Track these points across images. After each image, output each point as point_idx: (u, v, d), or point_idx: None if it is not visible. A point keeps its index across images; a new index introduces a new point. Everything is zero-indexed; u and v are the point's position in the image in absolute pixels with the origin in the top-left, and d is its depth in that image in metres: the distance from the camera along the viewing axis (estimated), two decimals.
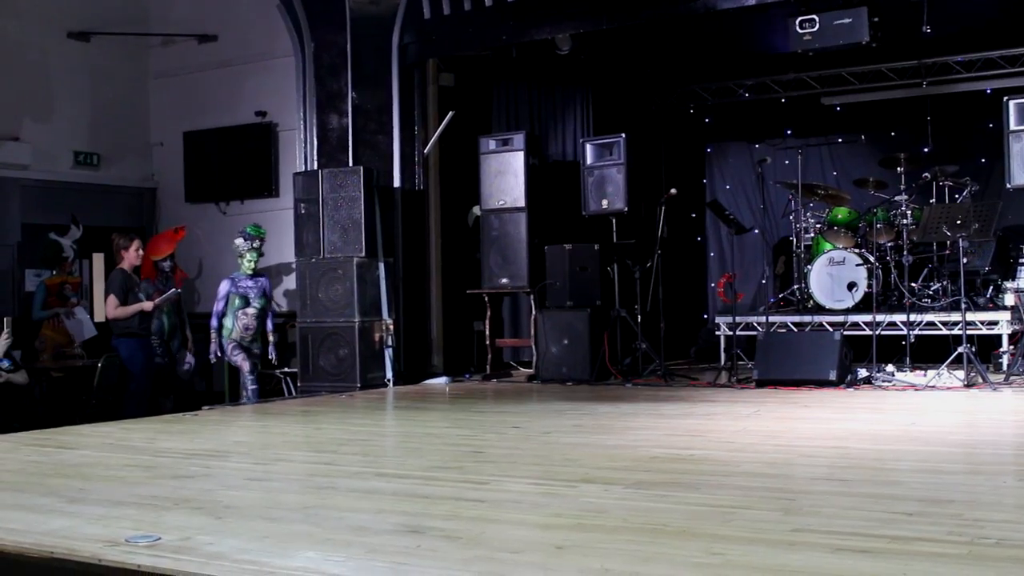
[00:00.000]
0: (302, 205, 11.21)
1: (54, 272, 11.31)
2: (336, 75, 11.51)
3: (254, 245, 10.73)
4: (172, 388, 11.40)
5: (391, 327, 11.01)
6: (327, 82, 11.58)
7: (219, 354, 10.60)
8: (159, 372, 10.91)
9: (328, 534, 4.19)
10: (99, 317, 11.52)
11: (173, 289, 10.76)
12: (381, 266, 11.05)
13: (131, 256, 10.22)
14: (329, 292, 10.90)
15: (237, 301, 10.64)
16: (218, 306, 10.62)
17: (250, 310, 10.63)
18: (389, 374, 10.89)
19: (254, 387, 10.61)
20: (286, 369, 11.36)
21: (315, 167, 11.52)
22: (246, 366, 10.59)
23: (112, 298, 9.99)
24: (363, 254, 10.89)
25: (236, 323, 10.64)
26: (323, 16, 11.57)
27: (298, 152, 11.89)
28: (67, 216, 12.03)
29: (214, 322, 10.60)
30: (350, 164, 11.34)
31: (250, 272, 10.72)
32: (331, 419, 8.43)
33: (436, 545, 3.94)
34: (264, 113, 12.98)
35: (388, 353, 10.94)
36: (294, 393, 10.80)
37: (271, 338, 10.73)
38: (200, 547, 3.98)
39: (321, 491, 5.23)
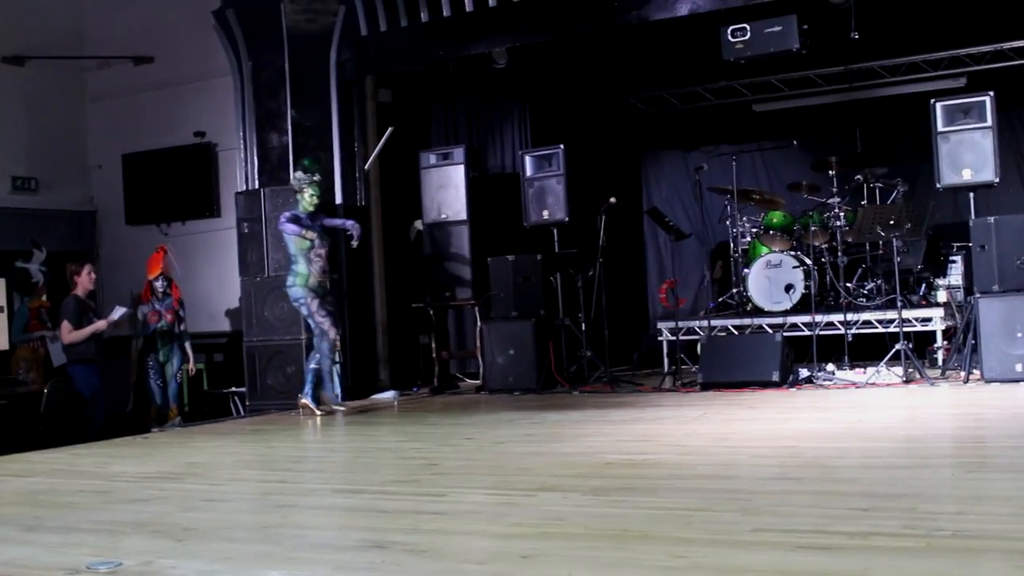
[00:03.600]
0: (245, 224, 11.17)
1: (26, 299, 11.22)
2: (274, 93, 11.48)
3: (314, 179, 9.76)
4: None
5: (337, 343, 11.00)
6: (266, 101, 11.55)
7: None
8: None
9: (291, 553, 4.20)
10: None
11: (125, 309, 10.61)
12: None
13: (84, 281, 10.17)
14: (275, 310, 10.88)
15: (308, 241, 9.69)
16: (291, 228, 9.58)
17: (323, 251, 9.70)
18: (337, 390, 10.88)
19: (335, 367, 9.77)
20: (234, 388, 11.30)
21: (256, 186, 11.47)
22: (332, 332, 9.64)
23: (66, 323, 9.94)
24: None
25: (311, 267, 9.62)
26: (260, 35, 11.54)
27: (239, 171, 11.85)
28: (12, 241, 11.90)
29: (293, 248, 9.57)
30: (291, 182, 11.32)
31: (311, 209, 9.72)
32: (283, 437, 8.42)
33: (400, 559, 3.97)
34: (203, 133, 12.94)
35: (336, 369, 10.93)
36: (242, 412, 10.73)
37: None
38: (163, 571, 3.98)
39: (280, 509, 5.24)
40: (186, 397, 12.05)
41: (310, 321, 9.71)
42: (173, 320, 10.88)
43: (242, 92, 11.73)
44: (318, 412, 9.53)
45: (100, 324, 10.09)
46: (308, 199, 9.69)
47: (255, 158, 11.61)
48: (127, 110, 13.51)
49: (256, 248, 11.09)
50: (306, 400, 9.59)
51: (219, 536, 4.62)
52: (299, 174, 9.81)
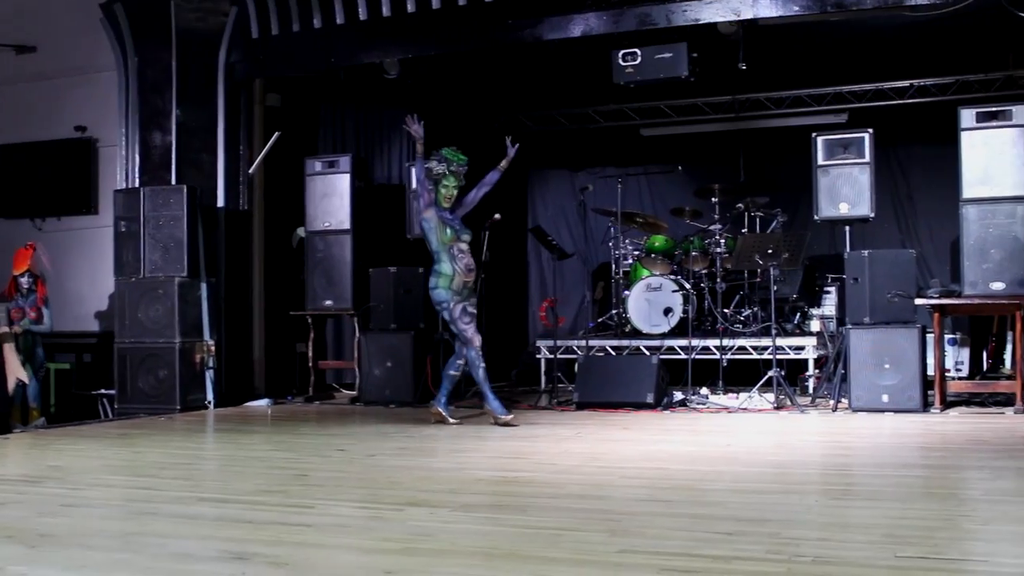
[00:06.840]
0: (122, 223, 10.91)
1: None
2: (160, 92, 11.26)
3: (451, 168, 8.70)
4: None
5: (212, 348, 10.82)
6: (151, 98, 11.31)
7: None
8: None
9: (149, 562, 4.11)
10: None
11: None
12: (203, 286, 10.86)
13: None
14: (149, 312, 10.64)
15: (448, 231, 8.54)
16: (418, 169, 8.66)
17: (464, 245, 8.62)
18: (210, 396, 10.70)
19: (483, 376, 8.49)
20: (103, 390, 11.00)
21: (137, 184, 11.24)
22: (477, 340, 8.58)
23: None
24: (185, 274, 10.69)
25: (456, 264, 8.53)
26: (148, 31, 11.30)
27: (119, 169, 11.56)
28: None
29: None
30: (173, 182, 11.11)
31: (447, 204, 8.74)
32: (150, 442, 8.23)
33: (262, 572, 3.91)
34: (84, 128, 12.61)
35: (209, 375, 10.74)
36: (110, 415, 10.46)
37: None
38: None
39: (141, 517, 5.12)
40: (52, 398, 11.70)
41: (452, 327, 8.78)
42: (37, 318, 10.57)
43: (127, 88, 11.48)
44: (451, 422, 8.85)
45: None
46: (444, 192, 8.76)
47: (137, 156, 11.37)
48: (5, 99, 13.08)
49: (133, 248, 10.83)
50: (438, 408, 8.93)
51: (76, 543, 4.49)
52: (433, 163, 8.74)
